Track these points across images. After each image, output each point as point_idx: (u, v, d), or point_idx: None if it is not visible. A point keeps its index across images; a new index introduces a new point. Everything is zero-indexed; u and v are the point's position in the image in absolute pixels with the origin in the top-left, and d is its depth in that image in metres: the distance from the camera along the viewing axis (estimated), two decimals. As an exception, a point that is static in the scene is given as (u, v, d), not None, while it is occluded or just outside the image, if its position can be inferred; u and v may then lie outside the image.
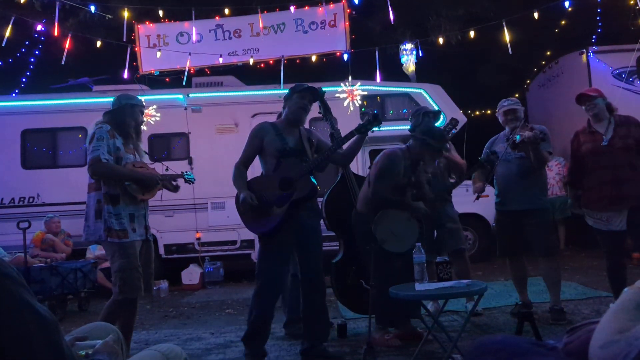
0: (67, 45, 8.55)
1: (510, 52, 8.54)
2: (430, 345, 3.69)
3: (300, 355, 3.81)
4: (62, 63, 8.63)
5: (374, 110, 3.79)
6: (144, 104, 3.96)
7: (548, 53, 11.53)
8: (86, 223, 3.65)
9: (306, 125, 4.45)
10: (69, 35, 8.58)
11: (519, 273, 4.70)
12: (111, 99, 3.92)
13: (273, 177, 3.69)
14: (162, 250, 8.46)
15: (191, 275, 8.28)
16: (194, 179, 4.19)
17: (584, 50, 9.18)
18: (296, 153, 3.71)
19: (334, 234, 4.77)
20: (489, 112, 12.18)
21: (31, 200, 8.40)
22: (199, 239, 8.47)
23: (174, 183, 3.99)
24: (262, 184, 3.71)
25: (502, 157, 4.53)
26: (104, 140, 3.57)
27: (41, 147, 8.72)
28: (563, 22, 10.85)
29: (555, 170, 8.99)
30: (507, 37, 8.38)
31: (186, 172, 4.24)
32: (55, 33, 8.48)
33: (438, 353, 3.60)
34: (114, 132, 3.67)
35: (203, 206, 8.39)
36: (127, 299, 3.55)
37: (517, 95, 11.34)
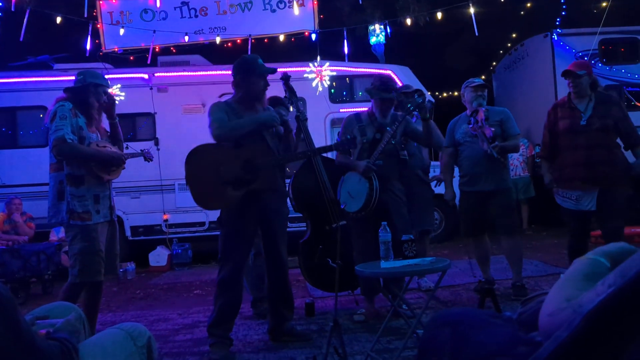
0: (25, 22, 8.25)
1: (476, 34, 8.62)
2: (395, 322, 3.76)
3: (268, 335, 3.84)
4: (21, 40, 8.34)
5: (348, 136, 3.83)
6: (109, 83, 3.85)
7: (514, 35, 11.69)
8: (48, 205, 3.57)
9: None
10: (28, 10, 8.28)
11: (482, 252, 4.81)
12: (73, 78, 3.80)
13: (236, 154, 3.53)
14: (128, 232, 8.36)
15: (159, 257, 8.22)
16: (152, 159, 4.21)
17: (549, 32, 9.35)
18: (257, 132, 3.59)
19: (301, 215, 4.80)
20: (456, 93, 12.30)
21: (-9, 181, 8.17)
22: (166, 220, 8.39)
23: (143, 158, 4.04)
24: (223, 156, 3.54)
25: (468, 139, 4.61)
26: (67, 119, 3.45)
27: (0, 127, 8.46)
28: (529, 5, 11.00)
29: (519, 151, 9.18)
30: (473, 19, 8.46)
31: (145, 150, 4.19)
32: (13, 8, 8.17)
33: (403, 329, 3.68)
34: (76, 111, 3.55)
35: (170, 187, 8.30)
36: (85, 282, 3.47)
37: (483, 77, 11.48)
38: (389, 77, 4.27)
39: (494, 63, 11.78)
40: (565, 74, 4.21)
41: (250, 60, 3.67)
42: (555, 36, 9.25)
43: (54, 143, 3.43)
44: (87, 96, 3.63)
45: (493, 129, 4.42)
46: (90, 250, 3.45)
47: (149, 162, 4.23)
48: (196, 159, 3.58)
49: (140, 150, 4.22)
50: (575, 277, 1.13)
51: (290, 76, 4.06)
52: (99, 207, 3.57)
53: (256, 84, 3.62)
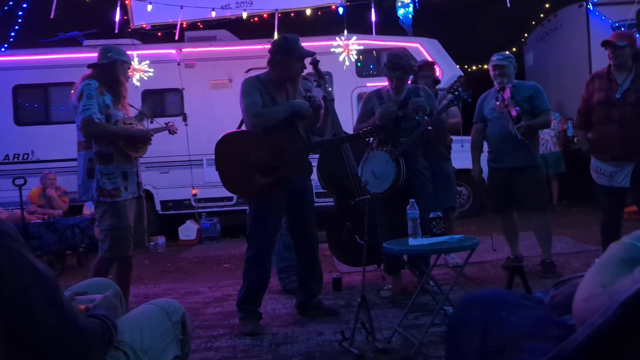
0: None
1: (508, 5, 8.38)
2: (422, 298, 3.78)
3: (296, 309, 3.91)
4: (51, 17, 8.43)
5: (377, 122, 3.79)
6: (131, 60, 3.86)
7: (547, 6, 11.31)
8: (78, 182, 3.64)
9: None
10: (58, -13, 8.35)
11: (511, 228, 4.77)
12: None
13: (264, 141, 3.52)
14: (158, 207, 8.52)
15: (188, 231, 8.37)
16: (176, 132, 4.22)
17: (584, 2, 9.02)
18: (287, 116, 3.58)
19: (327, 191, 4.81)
20: (485, 67, 12.02)
21: (26, 156, 8.39)
22: (195, 195, 8.52)
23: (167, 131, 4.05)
24: (252, 143, 3.55)
25: (495, 115, 4.53)
26: (94, 98, 3.47)
27: (33, 103, 8.64)
28: (563, -26, 10.60)
29: (550, 127, 8.98)
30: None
31: (170, 123, 4.19)
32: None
33: (430, 305, 3.70)
34: (102, 89, 3.55)
35: (198, 163, 8.39)
36: (115, 257, 3.56)
37: (514, 49, 11.19)
38: (398, 54, 4.09)
39: (526, 35, 11.45)
40: (605, 44, 4.04)
41: (291, 41, 3.61)
42: (591, 6, 8.92)
43: (82, 123, 3.46)
44: (116, 73, 3.64)
45: (518, 108, 4.32)
46: (120, 226, 3.52)
47: (173, 134, 4.21)
48: (225, 146, 3.62)
49: (165, 123, 4.22)
50: (611, 262, 1.11)
51: (319, 60, 4.04)
52: (128, 183, 3.62)
53: (293, 66, 3.60)
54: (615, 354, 0.94)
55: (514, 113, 4.30)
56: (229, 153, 3.60)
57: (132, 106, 3.93)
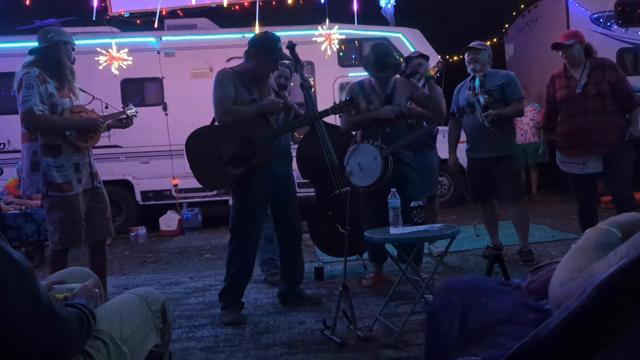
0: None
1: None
2: (403, 287, 3.81)
3: (278, 298, 3.91)
4: (27, 3, 8.25)
5: (347, 97, 3.76)
6: (74, 41, 3.62)
7: (527, -4, 11.40)
8: (22, 175, 3.51)
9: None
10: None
11: (490, 217, 4.82)
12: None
13: (233, 132, 3.49)
14: (139, 197, 8.44)
15: (169, 221, 8.30)
16: (137, 113, 3.94)
17: (564, -7, 9.10)
18: None
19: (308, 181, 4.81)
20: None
21: (2, 146, 8.22)
22: (176, 185, 8.44)
23: (125, 116, 3.82)
24: (221, 136, 3.53)
25: (468, 102, 4.56)
26: (34, 87, 3.29)
27: (10, 92, 8.44)
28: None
29: (529, 116, 9.08)
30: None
31: (128, 106, 3.96)
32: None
33: (411, 294, 3.73)
34: (44, 76, 3.38)
35: (179, 153, 8.28)
36: (67, 249, 3.45)
37: (495, 40, 11.26)
38: (384, 52, 3.95)
39: (507, 25, 11.53)
40: (554, 47, 4.24)
41: (271, 41, 3.54)
42: (571, -3, 9.01)
43: (22, 116, 3.31)
44: (58, 56, 3.46)
45: (486, 97, 4.38)
46: (70, 218, 3.41)
47: (134, 116, 3.94)
48: (195, 142, 3.58)
49: (122, 108, 3.98)
50: (586, 247, 1.14)
51: (295, 44, 4.00)
52: (81, 175, 3.50)
53: (265, 67, 3.56)
54: (590, 337, 0.96)
55: (482, 101, 4.35)
56: (199, 150, 3.56)
57: (83, 91, 3.76)
